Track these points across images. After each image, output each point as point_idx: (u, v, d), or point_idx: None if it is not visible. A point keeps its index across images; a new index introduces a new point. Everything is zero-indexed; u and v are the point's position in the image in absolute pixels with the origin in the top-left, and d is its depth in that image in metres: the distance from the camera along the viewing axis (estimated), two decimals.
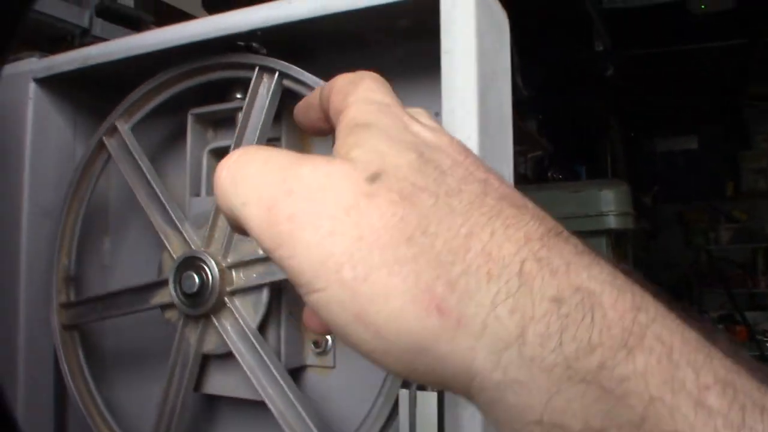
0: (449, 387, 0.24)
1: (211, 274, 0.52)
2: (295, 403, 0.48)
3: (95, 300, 0.60)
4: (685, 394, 0.20)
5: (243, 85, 0.56)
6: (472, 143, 0.42)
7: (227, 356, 0.53)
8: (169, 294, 0.53)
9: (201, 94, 0.59)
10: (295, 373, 0.56)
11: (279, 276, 0.50)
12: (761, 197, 4.38)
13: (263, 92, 0.54)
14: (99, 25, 1.17)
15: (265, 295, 0.52)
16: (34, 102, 0.64)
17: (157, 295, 0.56)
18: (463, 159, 0.27)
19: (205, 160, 0.61)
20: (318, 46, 0.55)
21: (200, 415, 0.62)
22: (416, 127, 0.28)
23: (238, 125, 0.54)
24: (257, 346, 0.51)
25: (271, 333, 0.54)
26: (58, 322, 0.61)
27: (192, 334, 0.53)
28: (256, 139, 0.54)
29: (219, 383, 0.55)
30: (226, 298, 0.52)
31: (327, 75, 0.36)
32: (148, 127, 0.64)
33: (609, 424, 0.20)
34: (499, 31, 0.49)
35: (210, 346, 0.53)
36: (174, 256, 0.54)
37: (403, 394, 0.43)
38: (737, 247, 4.43)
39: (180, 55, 0.56)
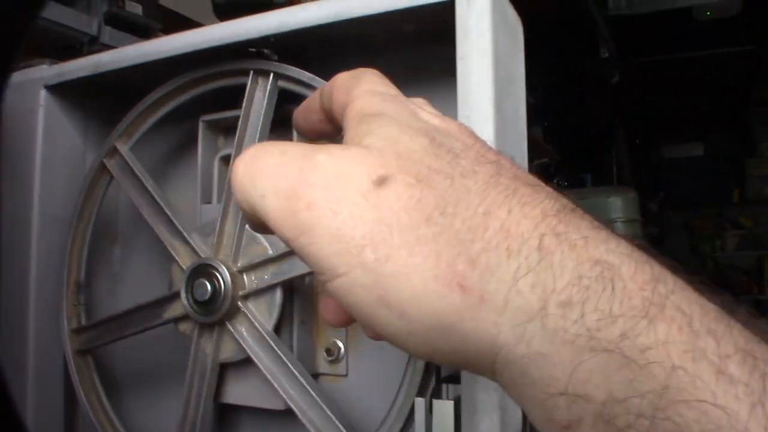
0: (473, 366, 0.24)
1: (223, 280, 0.51)
2: (319, 401, 0.48)
3: (107, 321, 0.59)
4: (707, 363, 0.20)
5: None
6: None
7: (245, 363, 0.53)
8: (181, 306, 0.53)
9: (214, 101, 0.58)
10: None
11: (291, 274, 0.50)
12: (767, 204, 4.37)
13: (260, 96, 0.54)
14: (107, 33, 1.17)
15: (278, 295, 0.52)
16: (44, 109, 0.63)
17: (169, 308, 0.56)
18: (473, 143, 0.28)
19: (216, 167, 0.60)
20: (329, 52, 0.55)
21: (219, 425, 0.61)
22: (424, 114, 0.29)
23: (237, 131, 0.54)
24: (275, 347, 0.50)
25: (283, 341, 0.54)
26: (70, 349, 0.60)
27: (208, 344, 0.53)
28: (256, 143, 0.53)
29: (238, 392, 0.55)
30: (239, 303, 0.52)
31: None
32: (155, 136, 0.64)
33: (632, 393, 0.20)
34: (513, 36, 0.49)
35: (227, 353, 0.52)
36: (183, 267, 0.54)
37: (419, 402, 0.43)
38: (743, 254, 4.41)
39: (191, 62, 0.56)
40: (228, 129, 0.62)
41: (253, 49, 0.54)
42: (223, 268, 0.52)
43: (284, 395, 0.49)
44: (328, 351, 0.55)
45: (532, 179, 0.26)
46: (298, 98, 0.55)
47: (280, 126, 0.58)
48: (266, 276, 0.52)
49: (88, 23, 1.14)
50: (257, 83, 0.54)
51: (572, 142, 3.08)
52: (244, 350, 0.51)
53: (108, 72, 0.59)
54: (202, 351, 0.53)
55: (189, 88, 0.57)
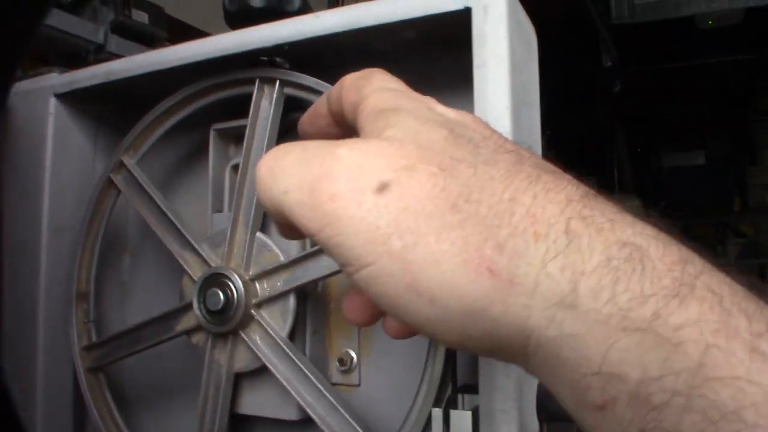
0: (504, 351, 0.24)
1: (235, 288, 0.51)
2: (338, 407, 0.47)
3: (118, 337, 0.59)
4: (740, 341, 0.20)
5: None
6: None
7: (258, 373, 0.52)
8: (194, 317, 0.52)
9: (225, 108, 0.58)
10: None
11: (303, 280, 0.50)
12: None
13: (266, 104, 0.54)
14: (114, 42, 1.17)
15: (291, 302, 0.51)
16: (54, 117, 0.63)
17: (181, 320, 0.55)
18: (490, 134, 0.28)
19: (227, 175, 0.60)
20: (343, 60, 0.55)
21: None
22: (439, 108, 0.30)
23: (245, 140, 0.54)
24: (290, 354, 0.50)
25: None
26: (82, 367, 0.60)
27: (222, 354, 0.52)
28: (263, 153, 0.53)
29: (251, 402, 0.54)
30: (252, 311, 0.51)
31: None
32: (166, 145, 0.64)
33: (666, 371, 0.20)
34: (528, 44, 0.49)
35: (241, 363, 0.52)
36: (194, 278, 0.54)
37: (436, 413, 0.42)
38: (745, 262, 4.40)
39: (202, 71, 0.56)
40: (239, 137, 0.62)
41: (265, 58, 0.54)
42: (236, 276, 0.51)
43: (301, 402, 0.48)
44: (341, 361, 0.55)
45: (552, 167, 0.27)
46: (304, 106, 0.55)
47: (288, 135, 0.58)
48: (279, 283, 0.51)
49: (95, 32, 1.14)
50: (263, 91, 0.54)
51: (573, 150, 3.08)
52: (258, 359, 0.50)
53: (119, 80, 0.59)
54: (216, 362, 0.53)
55: (195, 99, 0.57)
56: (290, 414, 0.52)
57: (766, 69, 3.22)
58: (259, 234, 0.53)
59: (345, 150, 0.26)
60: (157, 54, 0.58)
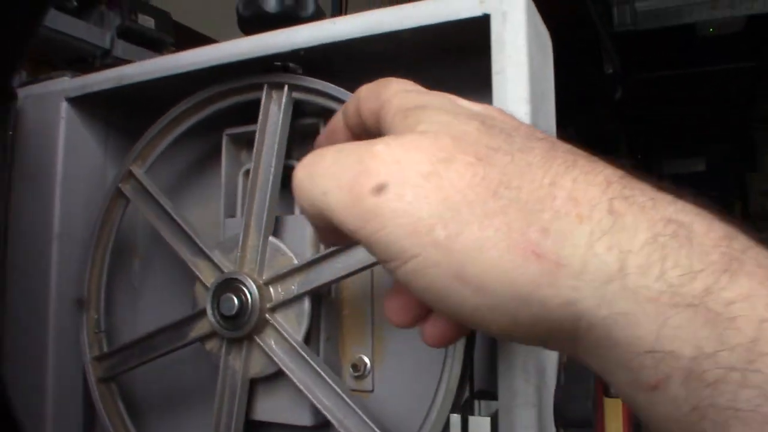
0: (554, 336, 0.24)
1: (250, 293, 0.51)
2: (356, 409, 0.47)
3: (131, 346, 0.58)
4: None
5: None
6: None
7: (273, 378, 0.52)
8: (207, 324, 0.52)
9: (238, 113, 0.58)
10: None
11: (318, 283, 0.50)
12: None
13: (275, 109, 0.54)
14: (120, 47, 1.18)
15: (306, 306, 0.51)
16: (66, 121, 0.63)
17: (195, 327, 0.55)
18: (519, 124, 0.29)
19: (240, 180, 0.60)
20: (357, 66, 0.55)
21: None
22: (464, 102, 0.30)
23: (255, 145, 0.54)
24: (307, 357, 0.49)
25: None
26: (94, 377, 0.59)
27: (236, 360, 0.52)
28: (274, 157, 0.53)
29: (266, 408, 0.54)
30: (267, 315, 0.51)
31: None
32: (177, 150, 0.64)
33: (720, 347, 0.20)
34: (544, 51, 0.49)
35: (256, 368, 0.52)
36: (207, 285, 0.53)
37: (454, 419, 0.42)
38: None
39: (215, 76, 0.55)
40: (251, 142, 0.62)
41: (279, 63, 0.54)
42: (249, 281, 0.51)
43: (319, 405, 0.48)
44: (354, 366, 0.55)
45: (584, 152, 0.27)
46: (320, 113, 0.55)
47: (301, 141, 0.58)
48: (293, 287, 0.51)
49: (101, 36, 1.14)
50: (272, 97, 0.54)
51: None
52: (273, 364, 0.50)
53: (131, 84, 0.59)
54: (230, 368, 0.52)
55: (203, 107, 0.57)
56: (305, 419, 0.52)
57: (767, 76, 3.22)
58: (271, 238, 0.53)
59: (382, 146, 0.26)
60: (171, 58, 0.58)
